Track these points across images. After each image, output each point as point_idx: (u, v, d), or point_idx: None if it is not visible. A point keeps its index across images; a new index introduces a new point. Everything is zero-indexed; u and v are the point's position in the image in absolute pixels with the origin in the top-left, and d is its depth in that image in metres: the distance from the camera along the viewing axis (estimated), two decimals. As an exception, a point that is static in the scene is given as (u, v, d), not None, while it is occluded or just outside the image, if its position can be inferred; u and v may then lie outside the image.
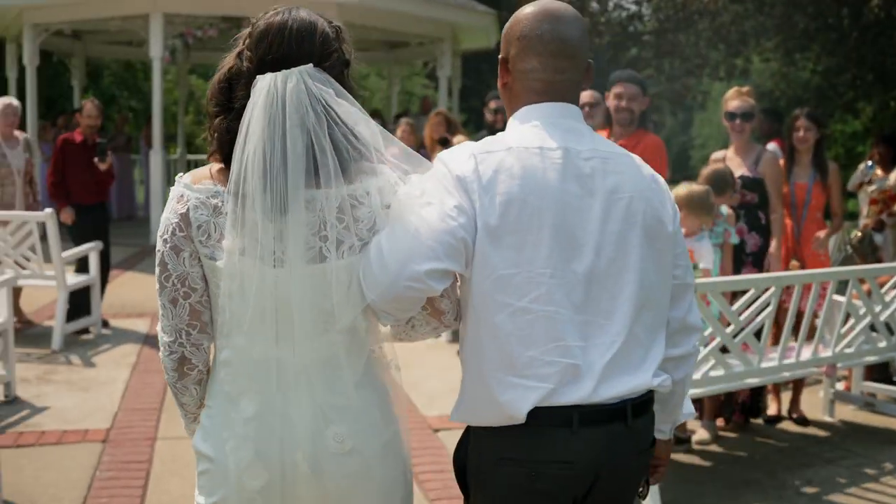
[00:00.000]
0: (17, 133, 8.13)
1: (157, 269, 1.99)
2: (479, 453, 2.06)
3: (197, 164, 19.25)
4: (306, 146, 1.89)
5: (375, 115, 16.51)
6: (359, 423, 2.01)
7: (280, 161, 1.88)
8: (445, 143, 8.51)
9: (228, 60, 2.01)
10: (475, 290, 1.99)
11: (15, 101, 8.10)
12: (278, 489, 1.97)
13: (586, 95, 7.59)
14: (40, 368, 6.74)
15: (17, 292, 8.21)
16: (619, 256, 2.02)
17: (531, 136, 2.05)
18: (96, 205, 8.18)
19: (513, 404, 1.96)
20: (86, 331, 7.81)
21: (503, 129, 2.14)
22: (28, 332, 7.94)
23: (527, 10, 2.13)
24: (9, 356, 5.98)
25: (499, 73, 2.19)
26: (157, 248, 2.00)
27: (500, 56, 2.18)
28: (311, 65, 1.93)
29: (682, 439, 5.32)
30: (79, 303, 7.86)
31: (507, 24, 2.17)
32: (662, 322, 2.13)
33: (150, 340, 7.47)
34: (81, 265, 8.02)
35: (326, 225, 1.92)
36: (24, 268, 7.46)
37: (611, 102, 5.26)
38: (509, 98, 2.18)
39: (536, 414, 1.95)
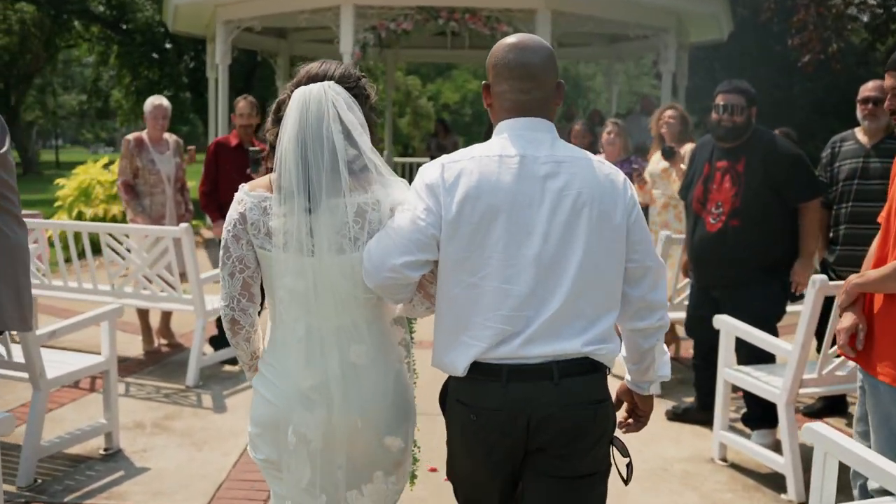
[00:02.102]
0: (166, 136, 7.28)
1: (220, 252, 2.57)
2: (447, 392, 2.59)
3: (411, 168, 18.59)
4: (330, 162, 2.42)
5: (595, 114, 15.11)
6: (370, 359, 2.55)
7: (309, 169, 2.42)
8: (671, 155, 6.92)
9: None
10: (441, 269, 2.48)
11: (165, 102, 7.23)
12: (325, 388, 2.50)
13: (869, 87, 5.39)
14: (163, 410, 5.81)
15: (166, 312, 7.41)
16: (565, 242, 2.42)
17: (496, 145, 2.49)
18: (254, 218, 7.22)
19: (456, 359, 2.46)
20: (233, 360, 6.85)
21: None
22: (172, 358, 7.11)
23: (503, 42, 2.55)
24: (110, 402, 5.04)
25: (483, 96, 2.62)
26: (222, 237, 2.56)
27: (483, 83, 2.63)
28: (333, 81, 2.53)
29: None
30: (227, 328, 6.94)
31: (489, 55, 2.56)
32: (613, 300, 2.50)
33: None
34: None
35: (346, 226, 2.45)
36: (163, 290, 6.58)
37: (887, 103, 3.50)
38: (492, 116, 2.60)
39: (476, 368, 2.43)
